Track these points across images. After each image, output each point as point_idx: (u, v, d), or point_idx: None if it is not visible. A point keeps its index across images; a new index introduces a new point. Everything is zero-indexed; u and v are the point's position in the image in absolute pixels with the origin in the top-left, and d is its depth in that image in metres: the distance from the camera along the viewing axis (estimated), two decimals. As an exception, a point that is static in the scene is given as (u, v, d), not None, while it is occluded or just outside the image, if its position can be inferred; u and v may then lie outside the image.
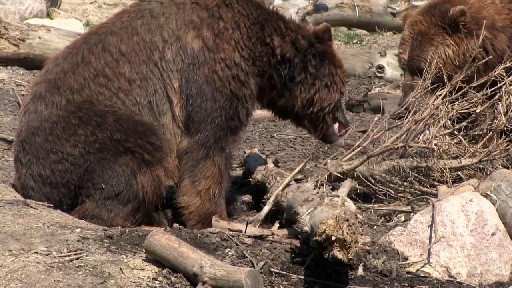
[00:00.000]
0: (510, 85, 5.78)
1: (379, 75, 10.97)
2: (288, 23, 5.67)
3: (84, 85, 5.24)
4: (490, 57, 5.98)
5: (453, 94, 5.83)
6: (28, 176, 5.20)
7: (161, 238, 4.11)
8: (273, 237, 4.77)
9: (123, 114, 5.17)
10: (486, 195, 4.89)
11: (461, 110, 5.82)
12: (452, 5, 6.12)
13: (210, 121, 5.35)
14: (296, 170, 5.38)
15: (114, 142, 5.10)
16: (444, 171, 5.63)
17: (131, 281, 3.96)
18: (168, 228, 5.01)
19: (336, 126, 5.90)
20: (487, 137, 5.84)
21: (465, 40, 6.04)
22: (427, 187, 5.72)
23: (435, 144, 5.65)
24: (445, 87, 5.85)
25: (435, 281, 4.46)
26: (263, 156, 6.39)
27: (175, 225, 5.30)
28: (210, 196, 5.43)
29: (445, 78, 5.87)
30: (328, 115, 5.80)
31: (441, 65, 5.95)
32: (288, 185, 5.26)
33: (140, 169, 5.14)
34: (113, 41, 5.36)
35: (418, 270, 4.56)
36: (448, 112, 5.77)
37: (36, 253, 4.13)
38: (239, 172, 6.58)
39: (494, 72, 5.83)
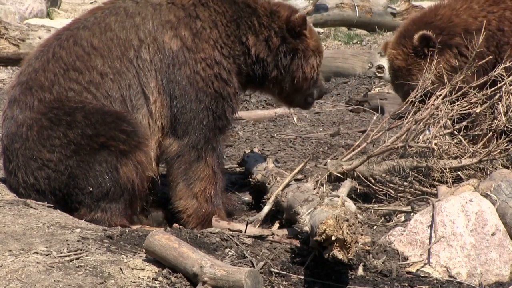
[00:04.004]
0: (510, 85, 5.78)
1: (379, 75, 10.96)
2: (261, 18, 5.57)
3: (54, 81, 5.18)
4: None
5: (453, 94, 5.83)
6: (16, 183, 5.17)
7: (161, 238, 4.11)
8: (273, 237, 4.77)
9: (91, 108, 5.10)
10: (486, 195, 4.89)
11: (461, 110, 5.82)
12: (418, 28, 6.22)
13: (197, 123, 5.32)
14: (296, 170, 5.37)
15: (87, 140, 5.04)
16: (444, 171, 5.63)
17: (131, 281, 3.96)
18: (168, 228, 5.00)
19: (309, 98, 5.98)
20: (487, 137, 5.84)
21: (439, 57, 6.12)
22: (427, 187, 5.71)
23: (435, 144, 5.65)
24: (445, 87, 5.85)
25: (435, 281, 4.46)
26: (263, 156, 6.38)
27: (175, 225, 5.30)
28: (207, 197, 5.42)
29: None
30: (301, 96, 5.90)
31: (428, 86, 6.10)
32: (288, 185, 5.26)
33: (120, 161, 5.08)
34: (85, 36, 5.29)
35: (418, 270, 4.56)
36: (448, 112, 5.76)
37: (36, 253, 4.13)
38: (239, 172, 6.58)
39: (494, 72, 5.83)
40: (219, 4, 5.49)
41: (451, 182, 5.55)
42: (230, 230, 4.87)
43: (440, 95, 5.81)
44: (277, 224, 5.25)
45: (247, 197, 6.09)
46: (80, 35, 5.31)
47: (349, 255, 3.97)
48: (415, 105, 5.83)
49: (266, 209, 5.24)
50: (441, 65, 6.04)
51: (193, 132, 5.33)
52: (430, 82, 5.92)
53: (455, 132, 5.85)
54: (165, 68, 5.27)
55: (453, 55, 6.12)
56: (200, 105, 5.32)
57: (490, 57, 6.05)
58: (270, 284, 4.22)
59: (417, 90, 5.92)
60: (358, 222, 4.13)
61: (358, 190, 5.79)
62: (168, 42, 5.30)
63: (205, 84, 5.33)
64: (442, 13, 6.27)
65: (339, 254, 3.94)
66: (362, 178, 5.78)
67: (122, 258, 4.16)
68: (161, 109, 5.28)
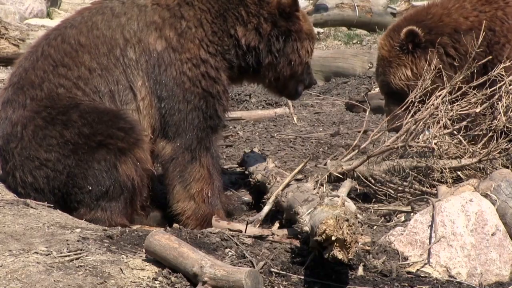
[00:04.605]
0: (510, 85, 5.77)
1: (379, 75, 10.94)
2: (249, 7, 5.51)
3: (44, 78, 5.21)
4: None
5: (453, 94, 5.83)
6: (14, 183, 5.18)
7: (161, 238, 4.11)
8: (273, 237, 4.77)
9: (86, 107, 5.12)
10: (486, 195, 4.89)
11: (460, 110, 5.82)
12: (409, 24, 6.20)
13: (188, 124, 5.32)
14: (296, 170, 5.37)
15: (85, 139, 5.05)
16: (444, 171, 5.63)
17: (131, 281, 3.96)
18: (168, 228, 5.00)
19: (300, 87, 5.93)
20: (487, 137, 5.83)
21: (423, 55, 6.10)
22: (427, 187, 5.71)
23: (435, 144, 5.65)
24: (444, 87, 5.85)
25: (435, 281, 4.46)
26: (263, 156, 6.39)
27: (175, 225, 5.30)
28: (204, 197, 5.41)
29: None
30: (295, 82, 5.84)
31: (403, 84, 6.15)
32: (288, 185, 5.26)
33: (119, 159, 5.08)
34: (72, 34, 5.34)
35: (418, 270, 4.56)
36: (448, 112, 5.76)
37: (36, 253, 4.13)
38: (239, 172, 6.58)
39: (494, 71, 5.83)
40: (204, 2, 5.46)
41: (451, 182, 5.55)
42: (230, 230, 4.87)
43: (439, 95, 5.80)
44: (277, 224, 5.25)
45: (247, 197, 6.09)
46: (67, 33, 5.36)
47: (349, 255, 3.97)
48: (415, 104, 5.83)
49: (266, 209, 5.24)
50: (424, 63, 6.05)
51: (184, 133, 5.32)
52: (406, 79, 6.00)
53: (455, 132, 5.85)
54: (151, 70, 5.28)
55: (437, 55, 6.10)
56: (189, 105, 5.32)
57: (489, 57, 6.03)
58: (270, 284, 4.22)
59: (417, 90, 5.92)
60: (358, 222, 4.13)
61: (358, 190, 5.79)
62: (153, 43, 5.31)
63: (192, 84, 5.33)
64: (434, 12, 6.25)
65: (339, 254, 3.94)
66: (362, 178, 5.78)
67: (122, 258, 4.16)
68: (149, 108, 5.29)
